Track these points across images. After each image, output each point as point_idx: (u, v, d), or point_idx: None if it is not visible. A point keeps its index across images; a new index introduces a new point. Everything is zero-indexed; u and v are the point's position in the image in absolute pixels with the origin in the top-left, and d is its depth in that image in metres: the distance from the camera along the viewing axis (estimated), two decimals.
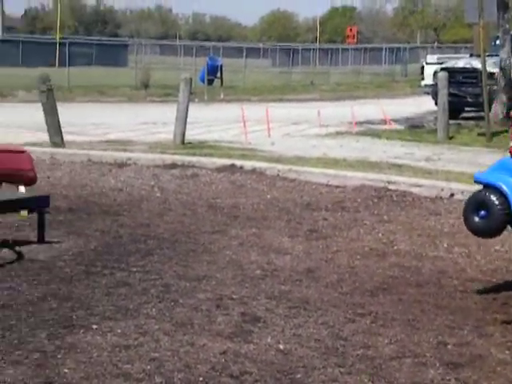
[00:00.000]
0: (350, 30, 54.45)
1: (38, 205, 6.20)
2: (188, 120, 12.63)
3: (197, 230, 6.74)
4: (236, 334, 4.20)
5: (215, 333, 4.21)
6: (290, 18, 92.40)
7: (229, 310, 4.59)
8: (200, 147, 12.14)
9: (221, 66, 30.06)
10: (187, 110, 12.59)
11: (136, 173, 9.30)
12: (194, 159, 10.00)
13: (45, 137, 11.79)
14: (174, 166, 9.61)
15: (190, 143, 12.58)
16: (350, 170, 9.55)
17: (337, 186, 8.65)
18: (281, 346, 4.05)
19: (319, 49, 48.70)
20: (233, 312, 4.57)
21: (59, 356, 3.79)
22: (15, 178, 6.76)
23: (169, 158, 10.09)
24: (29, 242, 6.04)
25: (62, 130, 11.68)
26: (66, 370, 3.63)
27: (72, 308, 4.51)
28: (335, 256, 5.99)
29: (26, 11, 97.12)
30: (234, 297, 4.85)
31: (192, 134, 13.34)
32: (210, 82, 29.33)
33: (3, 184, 6.93)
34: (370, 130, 16.28)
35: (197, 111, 16.68)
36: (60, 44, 33.79)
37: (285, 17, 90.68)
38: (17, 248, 5.86)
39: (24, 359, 3.73)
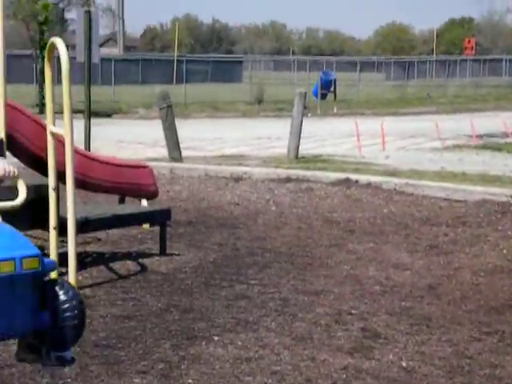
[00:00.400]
0: (468, 41, 53.06)
1: (160, 218, 6.35)
2: (301, 134, 12.68)
3: (313, 243, 6.72)
4: (356, 350, 4.14)
5: (335, 348, 4.17)
6: (405, 31, 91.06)
7: (348, 326, 4.54)
8: (314, 161, 12.15)
9: (334, 80, 30.06)
10: (301, 124, 12.65)
11: (251, 187, 9.40)
12: (308, 173, 10.01)
13: (164, 152, 12.13)
14: (288, 179, 9.65)
15: (303, 157, 12.61)
16: (469, 184, 9.28)
17: (456, 201, 8.42)
18: (403, 363, 3.96)
19: (436, 61, 47.73)
20: (352, 327, 4.51)
21: (183, 367, 3.86)
22: (138, 193, 6.94)
23: (283, 172, 10.14)
24: (151, 255, 6.21)
25: (180, 145, 11.99)
26: (190, 381, 3.69)
27: (194, 319, 4.59)
28: (457, 272, 5.82)
29: (145, 31, 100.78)
30: (353, 312, 4.79)
31: (306, 149, 13.37)
32: (324, 96, 29.38)
33: (126, 198, 7.17)
34: (489, 143, 15.81)
35: (310, 125, 16.71)
36: (177, 62, 34.79)
37: (400, 29, 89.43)
38: (140, 260, 6.04)
39: (150, 369, 3.82)
